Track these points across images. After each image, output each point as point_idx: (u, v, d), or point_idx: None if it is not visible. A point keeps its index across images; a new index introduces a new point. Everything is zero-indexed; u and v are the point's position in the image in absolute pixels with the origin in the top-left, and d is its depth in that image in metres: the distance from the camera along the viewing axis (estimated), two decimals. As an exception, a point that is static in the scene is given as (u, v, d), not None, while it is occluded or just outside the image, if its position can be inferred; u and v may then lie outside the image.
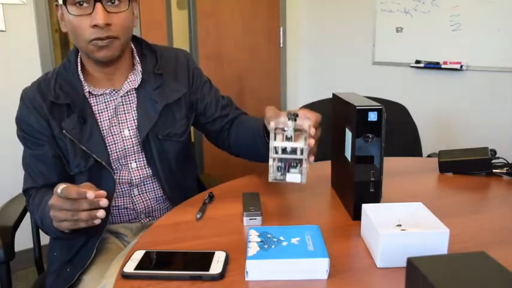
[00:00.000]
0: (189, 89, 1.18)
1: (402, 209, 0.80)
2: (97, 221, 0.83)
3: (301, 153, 0.81)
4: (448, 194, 1.04)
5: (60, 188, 0.81)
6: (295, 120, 0.82)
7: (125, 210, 1.14)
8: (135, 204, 1.13)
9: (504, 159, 1.15)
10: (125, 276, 0.68)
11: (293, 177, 0.83)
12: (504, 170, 1.13)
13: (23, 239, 1.41)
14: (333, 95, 1.01)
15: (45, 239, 1.27)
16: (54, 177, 1.05)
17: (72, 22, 0.98)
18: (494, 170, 1.14)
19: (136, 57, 1.12)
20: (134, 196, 1.13)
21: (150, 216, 1.17)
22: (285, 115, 0.87)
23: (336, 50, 3.16)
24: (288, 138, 0.82)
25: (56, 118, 1.03)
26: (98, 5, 0.95)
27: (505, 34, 2.15)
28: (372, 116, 0.81)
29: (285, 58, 3.39)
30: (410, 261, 0.50)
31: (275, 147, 0.81)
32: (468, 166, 1.15)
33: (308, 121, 0.85)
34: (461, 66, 2.33)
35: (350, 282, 0.66)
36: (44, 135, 1.04)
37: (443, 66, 2.41)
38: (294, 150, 0.81)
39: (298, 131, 0.83)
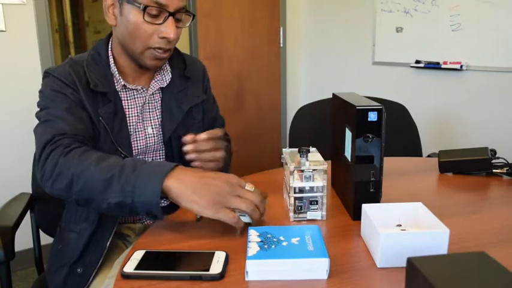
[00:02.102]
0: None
1: (402, 209, 0.80)
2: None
3: (320, 190, 0.85)
4: (448, 194, 1.04)
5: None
6: (307, 156, 0.85)
7: None
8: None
9: (504, 159, 1.15)
10: (125, 276, 0.68)
11: (313, 214, 0.87)
12: (504, 170, 1.13)
13: (23, 239, 1.42)
14: (333, 95, 1.01)
15: (44, 239, 1.27)
16: (83, 130, 0.96)
17: (137, 25, 0.98)
18: (494, 170, 1.14)
19: None
20: None
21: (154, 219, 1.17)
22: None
23: (336, 50, 3.16)
24: (307, 178, 0.85)
25: (90, 103, 1.00)
26: (171, 19, 0.98)
27: (505, 34, 2.15)
28: (372, 116, 0.81)
29: (285, 58, 3.39)
30: (410, 261, 0.50)
31: (294, 188, 0.85)
32: (468, 166, 1.15)
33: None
34: (461, 66, 2.33)
35: (350, 282, 0.66)
36: (79, 107, 0.99)
37: (443, 66, 2.41)
38: (312, 189, 0.85)
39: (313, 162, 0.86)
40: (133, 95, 1.09)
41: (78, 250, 1.01)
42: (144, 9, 0.97)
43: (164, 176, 0.78)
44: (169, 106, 1.12)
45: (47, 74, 1.03)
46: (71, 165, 0.85)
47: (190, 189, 0.78)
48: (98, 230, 1.02)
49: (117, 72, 1.07)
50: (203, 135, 1.00)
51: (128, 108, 1.08)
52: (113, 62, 1.07)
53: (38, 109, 1.00)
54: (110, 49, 1.09)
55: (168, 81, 1.13)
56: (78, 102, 0.99)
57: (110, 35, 1.10)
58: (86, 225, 1.01)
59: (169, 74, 1.14)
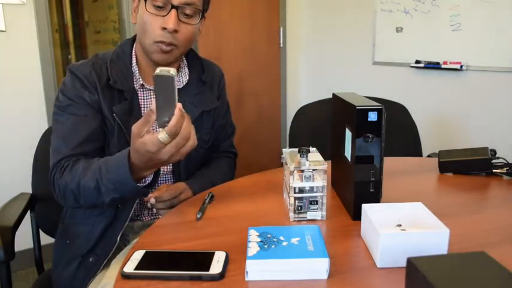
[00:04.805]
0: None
1: (402, 209, 0.80)
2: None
3: (320, 190, 0.85)
4: (448, 194, 1.04)
5: (164, 133, 0.80)
6: (307, 156, 0.85)
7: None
8: (144, 200, 1.14)
9: (504, 159, 1.15)
10: (125, 276, 0.68)
11: (313, 214, 0.87)
12: (504, 170, 1.13)
13: (23, 239, 1.42)
14: (333, 95, 1.01)
15: (44, 239, 1.27)
16: (89, 147, 1.03)
17: (145, 18, 1.04)
18: (494, 170, 1.14)
19: (184, 60, 1.20)
20: None
21: (152, 215, 1.17)
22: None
23: (336, 50, 3.16)
24: (307, 178, 0.85)
25: (107, 100, 1.06)
26: (173, 11, 1.02)
27: (505, 34, 2.15)
28: (372, 116, 0.81)
29: (285, 58, 3.39)
30: (410, 261, 0.50)
31: (294, 188, 0.85)
32: (468, 166, 1.15)
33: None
34: (461, 66, 2.33)
35: (350, 282, 0.66)
36: (93, 109, 1.05)
37: (443, 66, 2.41)
38: (312, 189, 0.85)
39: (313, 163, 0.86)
40: (151, 95, 1.12)
41: (91, 242, 1.05)
42: (146, 0, 1.02)
43: (128, 167, 0.87)
44: (182, 107, 1.13)
45: (69, 71, 1.08)
46: (67, 182, 0.96)
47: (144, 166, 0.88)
48: (112, 223, 1.05)
49: (137, 71, 1.12)
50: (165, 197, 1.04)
51: (144, 107, 1.11)
52: (135, 60, 1.12)
53: (56, 102, 1.07)
54: (134, 48, 1.13)
55: (184, 83, 1.16)
56: (94, 105, 1.05)
57: None
58: (102, 218, 1.05)
59: (187, 76, 1.17)
